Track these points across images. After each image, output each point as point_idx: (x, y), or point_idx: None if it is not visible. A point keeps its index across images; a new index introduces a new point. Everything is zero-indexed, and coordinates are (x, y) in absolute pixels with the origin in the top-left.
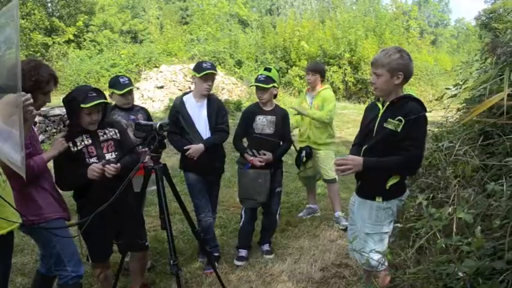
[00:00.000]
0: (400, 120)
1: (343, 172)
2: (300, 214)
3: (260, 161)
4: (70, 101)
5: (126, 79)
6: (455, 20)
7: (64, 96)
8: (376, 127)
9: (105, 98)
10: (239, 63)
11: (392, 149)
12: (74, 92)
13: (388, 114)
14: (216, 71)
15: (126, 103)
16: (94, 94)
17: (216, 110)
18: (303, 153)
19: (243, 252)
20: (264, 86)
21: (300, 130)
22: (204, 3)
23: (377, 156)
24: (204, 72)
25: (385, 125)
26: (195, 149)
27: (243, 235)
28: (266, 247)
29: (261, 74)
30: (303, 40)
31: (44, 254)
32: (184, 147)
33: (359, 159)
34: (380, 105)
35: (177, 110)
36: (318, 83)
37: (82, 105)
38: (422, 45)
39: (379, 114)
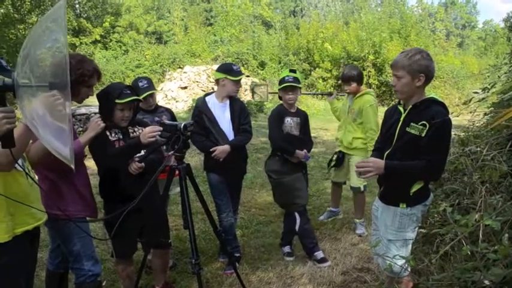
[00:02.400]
0: (424, 125)
1: (364, 175)
2: (321, 217)
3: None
4: (105, 96)
5: (145, 82)
6: (483, 22)
7: (98, 91)
8: (398, 131)
9: (138, 96)
10: (262, 65)
11: (415, 154)
12: (109, 87)
13: (410, 118)
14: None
15: (148, 106)
16: (128, 91)
17: (239, 111)
18: (334, 157)
19: (321, 254)
20: (296, 85)
21: (337, 133)
22: (228, 5)
23: (399, 161)
24: (239, 77)
25: (407, 129)
26: (221, 150)
27: (311, 233)
28: (287, 249)
29: (288, 76)
30: (326, 42)
31: (64, 250)
32: (211, 149)
33: (380, 162)
34: (402, 109)
35: (200, 110)
36: (359, 90)
37: (117, 101)
38: (449, 48)
39: (401, 118)
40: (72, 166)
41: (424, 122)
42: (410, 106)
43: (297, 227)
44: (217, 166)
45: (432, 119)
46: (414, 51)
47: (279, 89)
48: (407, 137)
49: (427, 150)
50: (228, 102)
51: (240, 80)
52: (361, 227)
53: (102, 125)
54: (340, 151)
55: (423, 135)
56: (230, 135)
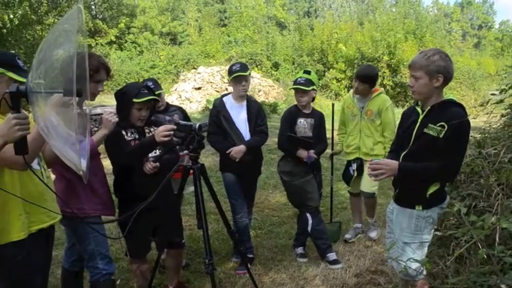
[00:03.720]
0: (442, 126)
1: (376, 177)
2: (348, 236)
3: (314, 152)
4: (122, 95)
5: (151, 84)
6: (500, 22)
7: (116, 91)
8: (415, 133)
9: (155, 96)
10: (276, 66)
11: (432, 155)
12: (126, 87)
13: (428, 119)
14: (245, 71)
15: (157, 106)
16: (145, 91)
17: (256, 112)
18: (353, 167)
19: (333, 256)
20: (304, 88)
21: (347, 139)
22: (242, 6)
23: (416, 163)
24: (233, 76)
25: (425, 130)
26: (237, 150)
27: (325, 235)
28: (300, 250)
29: (300, 77)
30: (340, 42)
31: (79, 249)
32: (227, 151)
33: (394, 164)
34: (419, 110)
35: (218, 110)
36: (370, 92)
37: (134, 100)
38: (465, 48)
39: (419, 120)
40: (81, 173)
41: (442, 123)
42: (429, 107)
43: (309, 228)
44: (233, 166)
45: (451, 120)
46: (433, 52)
47: (293, 90)
48: (424, 139)
49: (443, 152)
50: (245, 103)
51: (236, 78)
52: (374, 229)
53: (114, 120)
54: (357, 158)
55: (441, 136)
56: (246, 136)
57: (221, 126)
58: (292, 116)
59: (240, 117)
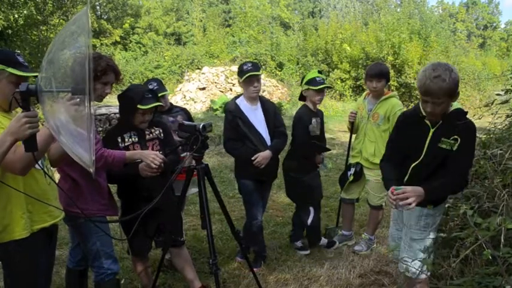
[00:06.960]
0: (456, 140)
1: (409, 206)
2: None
3: None
4: (126, 100)
5: (155, 84)
6: (506, 22)
7: (120, 93)
8: (426, 146)
9: (159, 100)
10: (280, 66)
11: (444, 166)
12: (130, 91)
13: (440, 132)
14: (258, 71)
15: (161, 107)
16: (150, 95)
17: (273, 113)
18: (351, 171)
19: (325, 241)
20: (329, 85)
21: (354, 142)
22: (246, 6)
23: (427, 174)
24: (246, 76)
25: (439, 145)
26: (263, 156)
27: (317, 229)
28: (300, 244)
29: (318, 77)
30: (345, 43)
31: (83, 249)
32: (252, 158)
33: (419, 189)
34: (428, 123)
35: (235, 115)
36: (384, 90)
37: (140, 106)
38: (470, 49)
39: (430, 133)
40: (91, 170)
41: (455, 137)
42: (440, 121)
43: (309, 221)
44: (252, 172)
45: (463, 133)
46: (445, 72)
47: (314, 90)
48: (439, 152)
49: (457, 164)
50: (259, 104)
51: (248, 78)
52: (363, 244)
53: (158, 162)
54: (357, 163)
55: (454, 149)
56: (267, 138)
57: (239, 131)
58: (308, 117)
59: (256, 119)
